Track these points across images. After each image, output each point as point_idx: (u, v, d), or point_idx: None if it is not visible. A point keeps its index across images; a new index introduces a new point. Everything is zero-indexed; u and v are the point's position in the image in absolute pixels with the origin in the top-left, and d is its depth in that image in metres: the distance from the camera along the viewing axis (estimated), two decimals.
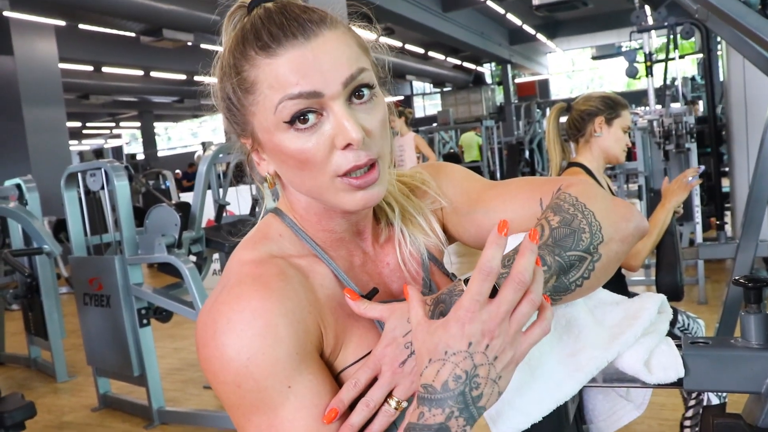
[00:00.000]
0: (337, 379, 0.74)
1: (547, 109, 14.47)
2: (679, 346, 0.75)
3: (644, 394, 0.87)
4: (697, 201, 4.81)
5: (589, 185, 0.81)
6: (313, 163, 0.71)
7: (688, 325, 2.26)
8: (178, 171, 15.44)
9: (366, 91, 0.72)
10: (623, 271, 2.28)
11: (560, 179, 0.83)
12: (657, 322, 0.76)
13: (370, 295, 0.77)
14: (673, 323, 2.27)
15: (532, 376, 0.72)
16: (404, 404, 0.69)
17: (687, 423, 2.34)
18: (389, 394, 0.70)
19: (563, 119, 2.48)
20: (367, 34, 0.80)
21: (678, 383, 0.72)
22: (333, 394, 0.71)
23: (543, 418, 0.71)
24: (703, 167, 2.67)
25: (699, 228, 4.81)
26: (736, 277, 0.75)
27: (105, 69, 15.55)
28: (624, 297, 0.79)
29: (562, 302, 0.74)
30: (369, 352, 0.75)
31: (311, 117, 0.70)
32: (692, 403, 2.25)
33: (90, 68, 15.25)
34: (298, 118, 0.70)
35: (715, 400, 2.14)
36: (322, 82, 0.69)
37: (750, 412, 0.72)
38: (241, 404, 0.69)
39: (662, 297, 0.79)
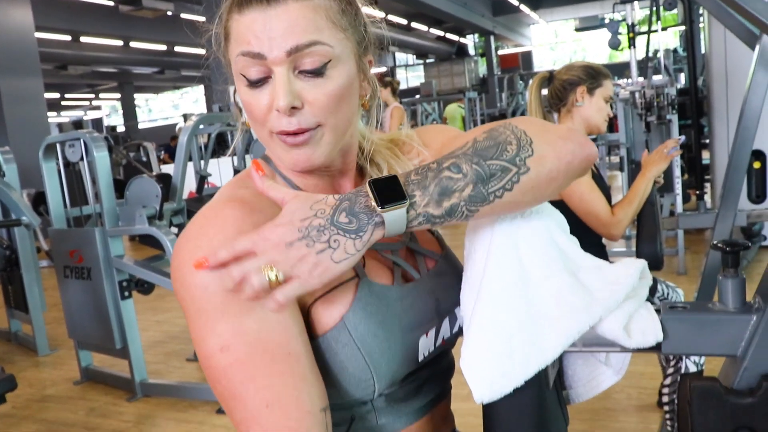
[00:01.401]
0: (308, 311, 0.75)
1: (530, 81, 14.42)
2: (658, 311, 0.75)
3: (623, 359, 0.88)
4: (677, 173, 4.85)
5: (538, 120, 0.79)
6: (256, 116, 0.78)
7: (668, 294, 2.29)
8: (163, 152, 14.98)
9: (315, 65, 0.74)
10: (604, 240, 2.29)
11: (513, 118, 0.82)
12: (637, 288, 0.77)
13: None
14: (652, 292, 2.30)
15: (514, 340, 0.72)
16: (281, 278, 0.64)
17: (665, 390, 2.40)
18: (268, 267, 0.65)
19: (545, 90, 2.47)
20: (369, 11, 0.85)
21: (657, 347, 0.73)
22: (297, 317, 0.72)
23: (525, 382, 0.71)
24: (683, 137, 2.68)
25: (679, 199, 4.86)
26: (715, 242, 0.76)
27: (83, 39, 15.26)
28: (605, 262, 0.79)
29: (481, 215, 0.72)
30: (342, 283, 0.76)
31: (260, 76, 0.76)
32: (670, 371, 2.29)
33: (68, 38, 14.96)
34: (248, 75, 0.76)
35: (692, 368, 2.18)
36: (267, 47, 0.73)
37: (726, 375, 0.73)
38: (206, 310, 0.69)
39: (643, 263, 0.80)
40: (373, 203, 0.67)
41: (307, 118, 0.76)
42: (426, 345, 0.84)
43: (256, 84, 0.76)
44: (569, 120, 2.37)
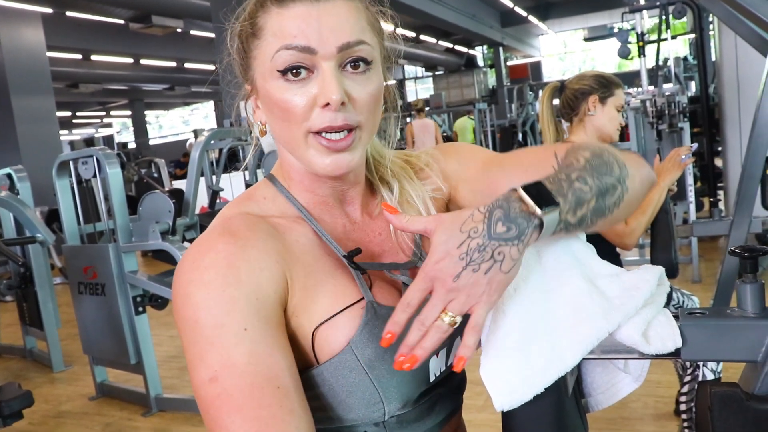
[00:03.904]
0: (312, 336, 0.75)
1: (540, 91, 14.41)
2: (676, 317, 0.75)
3: (642, 366, 0.87)
4: (690, 180, 4.83)
5: (609, 146, 0.83)
6: (294, 114, 0.75)
7: (683, 302, 2.28)
8: (174, 167, 15.10)
9: (361, 64, 0.75)
10: (618, 249, 2.28)
11: (571, 142, 0.84)
12: (655, 294, 0.77)
13: (352, 254, 0.79)
14: (668, 300, 2.29)
15: (533, 347, 0.72)
16: (458, 319, 0.66)
17: (683, 398, 2.37)
18: (443, 310, 0.67)
19: (556, 100, 2.47)
20: (387, 27, 0.85)
21: (676, 354, 0.73)
22: (287, 352, 0.71)
23: (544, 389, 0.71)
24: (696, 145, 2.67)
25: (692, 207, 4.83)
26: (733, 247, 0.76)
27: (94, 57, 15.42)
28: (623, 269, 0.79)
29: (596, 227, 0.75)
30: (347, 307, 0.76)
31: (303, 72, 0.74)
32: (687, 378, 2.27)
33: (78, 56, 15.12)
34: (291, 71, 0.74)
35: (710, 376, 2.16)
36: (318, 41, 0.72)
37: (747, 381, 0.72)
38: (198, 340, 0.69)
39: (661, 269, 0.79)
40: (533, 206, 0.67)
41: (352, 114, 0.75)
42: (437, 365, 0.83)
43: (297, 80, 0.74)
44: (581, 129, 2.36)
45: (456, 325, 0.67)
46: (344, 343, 0.75)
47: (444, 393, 0.87)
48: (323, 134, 0.74)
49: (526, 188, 0.68)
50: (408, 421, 0.82)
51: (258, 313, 0.70)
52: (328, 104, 0.73)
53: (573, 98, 2.37)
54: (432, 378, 0.83)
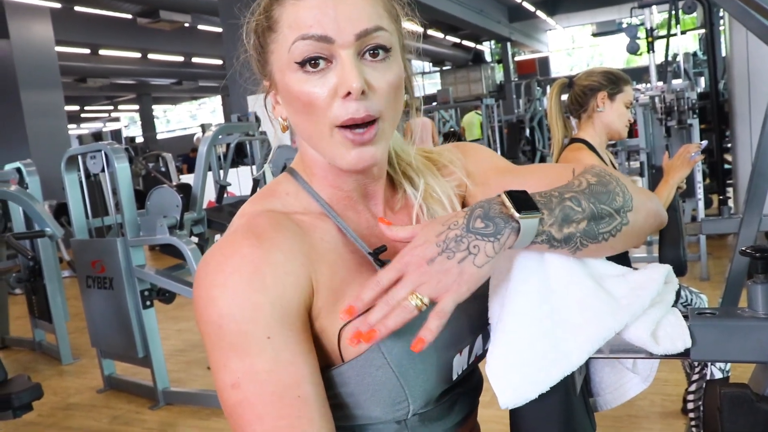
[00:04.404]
0: (339, 335, 0.75)
1: (548, 87, 14.38)
2: (685, 317, 0.75)
3: (651, 366, 0.87)
4: (699, 177, 4.80)
5: (628, 177, 0.84)
6: (316, 107, 0.73)
7: (692, 300, 2.27)
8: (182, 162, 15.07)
9: (380, 51, 0.74)
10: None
11: (615, 170, 0.85)
12: (663, 293, 0.76)
13: (378, 252, 0.78)
14: (676, 299, 2.28)
15: (539, 346, 0.72)
16: (426, 302, 0.66)
17: (690, 397, 2.36)
18: (412, 291, 0.67)
19: (564, 96, 2.46)
20: (412, 27, 0.84)
21: (685, 354, 0.72)
22: (309, 358, 0.72)
23: (550, 388, 0.71)
24: (705, 142, 2.65)
25: (701, 204, 4.81)
26: (743, 248, 0.75)
27: (102, 52, 15.44)
28: (629, 269, 0.78)
29: (588, 252, 0.75)
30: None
31: (321, 62, 0.73)
32: (695, 377, 2.26)
33: (87, 51, 15.14)
34: (309, 62, 0.73)
35: (718, 375, 2.15)
36: (335, 29, 0.71)
37: (757, 382, 0.72)
38: (221, 346, 0.70)
39: (668, 267, 0.79)
40: (511, 209, 0.69)
41: (373, 104, 0.73)
42: (460, 363, 0.83)
43: (316, 71, 0.73)
44: (590, 126, 2.35)
45: (422, 309, 0.66)
46: None
47: (463, 393, 0.88)
48: (348, 128, 0.74)
49: (510, 193, 0.70)
50: (429, 420, 0.82)
51: (282, 319, 0.70)
52: (349, 93, 0.71)
53: (582, 94, 2.36)
54: (455, 376, 0.83)
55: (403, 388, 0.75)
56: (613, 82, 2.32)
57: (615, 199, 0.76)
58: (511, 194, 0.70)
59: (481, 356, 0.87)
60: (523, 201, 0.70)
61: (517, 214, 0.68)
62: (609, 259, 0.80)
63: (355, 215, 0.84)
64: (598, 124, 2.34)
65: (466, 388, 0.89)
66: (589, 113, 2.36)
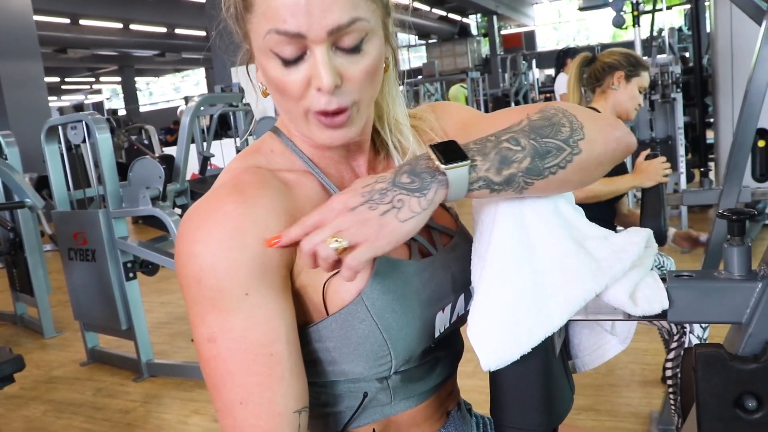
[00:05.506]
0: (323, 288, 0.76)
1: (533, 61, 14.37)
2: (663, 279, 0.76)
3: (629, 327, 0.88)
4: (681, 151, 4.83)
5: (582, 107, 0.82)
6: (290, 94, 0.74)
7: (663, 262, 2.34)
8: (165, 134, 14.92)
9: (354, 42, 0.73)
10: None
11: (553, 102, 0.83)
12: (643, 257, 0.77)
13: None
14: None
15: (520, 308, 0.72)
16: (345, 244, 0.65)
17: (668, 365, 2.40)
18: (333, 235, 0.66)
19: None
20: None
21: (662, 315, 0.73)
22: (287, 316, 0.73)
23: (531, 349, 0.72)
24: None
25: (683, 179, 4.86)
26: (721, 210, 0.76)
27: (82, 21, 15.17)
28: (611, 231, 0.79)
29: (535, 189, 0.73)
30: None
31: (295, 55, 0.72)
32: (674, 345, 2.30)
33: (67, 21, 14.87)
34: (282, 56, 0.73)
35: (695, 342, 2.19)
36: (306, 25, 0.69)
37: (731, 342, 0.73)
38: (199, 301, 0.71)
39: (649, 232, 0.80)
40: (436, 162, 0.68)
41: (345, 96, 0.74)
42: (442, 321, 0.84)
43: (291, 62, 0.73)
44: (603, 101, 2.48)
45: (340, 252, 0.65)
46: (355, 294, 0.76)
47: (444, 356, 0.90)
48: (323, 113, 0.74)
49: (437, 145, 0.70)
50: (410, 380, 0.84)
51: (261, 277, 0.71)
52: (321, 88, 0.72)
53: (601, 70, 2.48)
54: (437, 334, 0.84)
55: (386, 342, 0.76)
56: (632, 64, 2.43)
57: (560, 130, 0.74)
58: (438, 146, 0.70)
59: (464, 316, 0.88)
60: (450, 152, 0.69)
61: (443, 167, 0.68)
62: (593, 221, 0.81)
63: (337, 173, 0.86)
64: (610, 101, 2.46)
65: (448, 352, 0.91)
66: (603, 89, 2.48)
